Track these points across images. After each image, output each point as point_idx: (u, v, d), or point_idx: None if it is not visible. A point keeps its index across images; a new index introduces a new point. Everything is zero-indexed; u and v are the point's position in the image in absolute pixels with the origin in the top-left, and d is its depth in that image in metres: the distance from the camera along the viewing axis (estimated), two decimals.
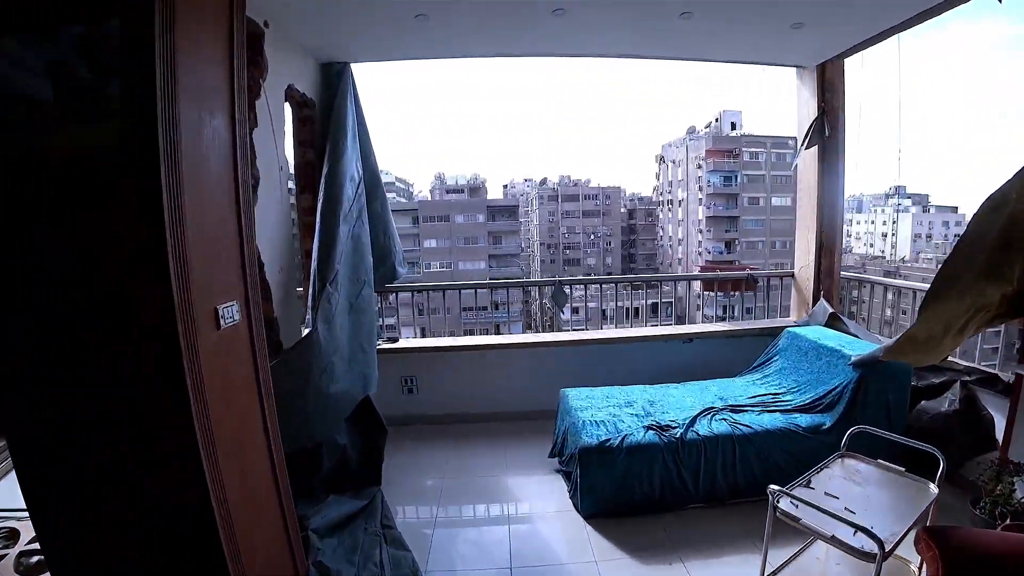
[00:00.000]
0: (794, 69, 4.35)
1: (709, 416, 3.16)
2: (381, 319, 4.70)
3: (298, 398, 2.68)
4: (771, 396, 3.44)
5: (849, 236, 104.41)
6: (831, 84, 4.14)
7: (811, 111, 4.24)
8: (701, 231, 55.05)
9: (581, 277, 7.66)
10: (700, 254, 55.01)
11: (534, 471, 3.52)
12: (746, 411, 3.22)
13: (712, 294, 6.52)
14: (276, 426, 2.03)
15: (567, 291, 4.70)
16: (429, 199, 66.81)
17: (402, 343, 4.34)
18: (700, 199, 54.86)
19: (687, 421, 3.08)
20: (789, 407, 3.24)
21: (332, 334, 2.96)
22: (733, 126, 60.27)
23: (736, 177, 53.65)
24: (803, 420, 3.09)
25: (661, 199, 65.04)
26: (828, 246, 4.66)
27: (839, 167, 4.33)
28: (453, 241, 49.54)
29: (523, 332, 41.24)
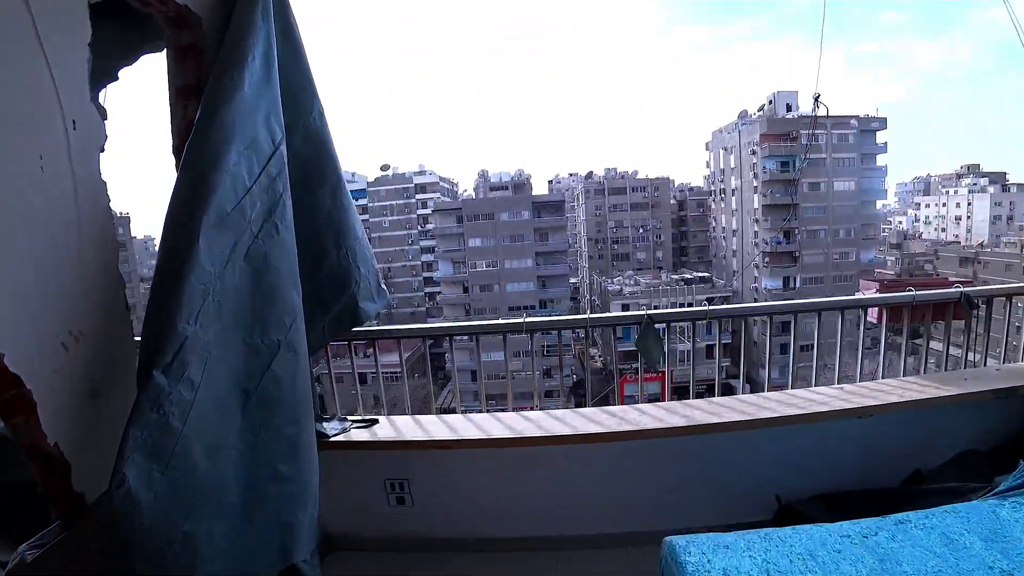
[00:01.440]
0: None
1: None
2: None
3: None
4: None
5: (917, 221, 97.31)
6: None
7: None
8: (757, 220, 52.21)
9: (675, 311, 5.80)
10: (756, 245, 52.27)
11: None
12: None
13: (881, 324, 3.63)
14: None
15: (661, 337, 3.04)
16: (473, 197, 66.91)
17: (384, 427, 2.80)
18: (755, 187, 52.05)
19: None
20: None
21: (175, 479, 1.41)
22: (788, 108, 56.74)
23: (795, 161, 50.55)
24: None
25: (713, 188, 62.29)
26: None
27: None
28: (498, 239, 49.05)
29: (567, 406, 33.37)
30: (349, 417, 2.90)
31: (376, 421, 2.84)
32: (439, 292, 54.71)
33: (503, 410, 3.15)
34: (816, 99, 6.06)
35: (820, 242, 50.76)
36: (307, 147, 2.20)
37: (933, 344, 3.55)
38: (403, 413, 3.46)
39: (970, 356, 3.30)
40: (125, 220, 68.59)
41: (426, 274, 65.77)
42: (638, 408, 2.82)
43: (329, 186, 2.32)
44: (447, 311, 52.13)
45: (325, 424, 2.70)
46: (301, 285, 1.96)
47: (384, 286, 2.87)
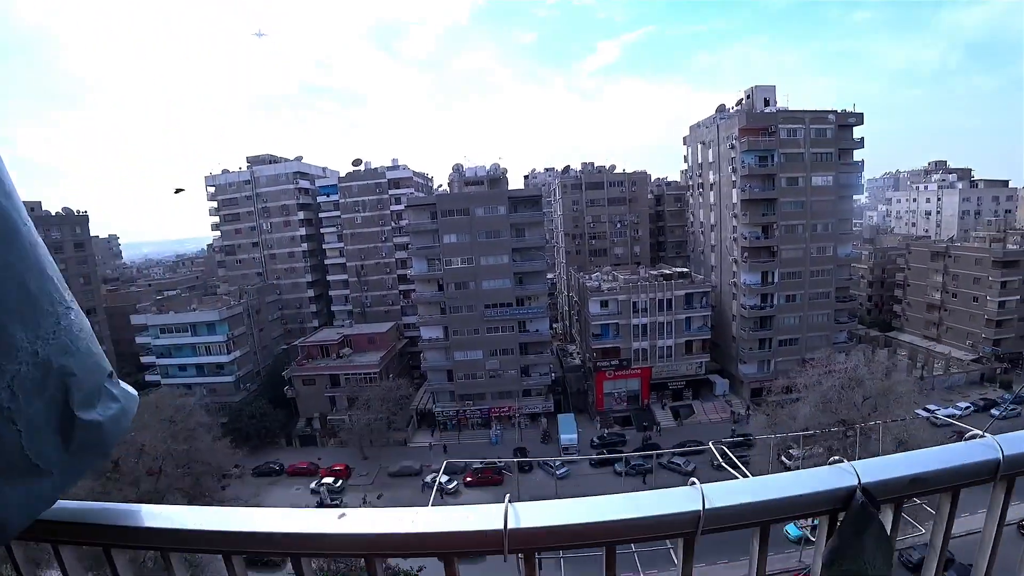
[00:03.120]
0: None
1: None
2: None
3: None
4: None
5: (888, 216, 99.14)
6: None
7: None
8: (736, 215, 51.71)
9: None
10: (736, 240, 51.81)
11: None
12: None
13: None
14: None
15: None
16: (448, 192, 65.18)
17: None
18: (734, 181, 51.55)
19: None
20: None
21: None
22: (766, 102, 56.44)
23: (773, 156, 50.24)
24: None
25: (691, 183, 61.74)
26: None
27: None
28: (474, 235, 47.50)
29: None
30: None
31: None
32: (413, 290, 52.97)
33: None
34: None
35: (799, 237, 50.63)
36: None
37: None
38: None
39: None
40: (83, 219, 64.97)
41: (400, 271, 63.95)
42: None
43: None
44: (422, 309, 50.35)
45: None
46: None
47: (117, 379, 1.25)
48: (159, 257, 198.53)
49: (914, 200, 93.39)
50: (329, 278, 68.56)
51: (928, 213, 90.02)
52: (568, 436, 45.09)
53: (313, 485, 42.47)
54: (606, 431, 48.86)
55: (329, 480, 42.65)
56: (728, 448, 40.25)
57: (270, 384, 55.33)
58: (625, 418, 50.76)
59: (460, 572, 2.97)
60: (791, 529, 31.82)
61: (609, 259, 63.15)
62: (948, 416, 44.72)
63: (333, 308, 69.19)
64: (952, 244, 61.57)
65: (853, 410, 28.88)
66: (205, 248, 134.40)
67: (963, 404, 47.23)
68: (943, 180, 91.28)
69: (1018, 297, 53.55)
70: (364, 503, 30.30)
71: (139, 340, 55.90)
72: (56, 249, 58.84)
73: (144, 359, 56.42)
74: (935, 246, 63.51)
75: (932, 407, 45.67)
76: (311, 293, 67.96)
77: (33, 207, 61.71)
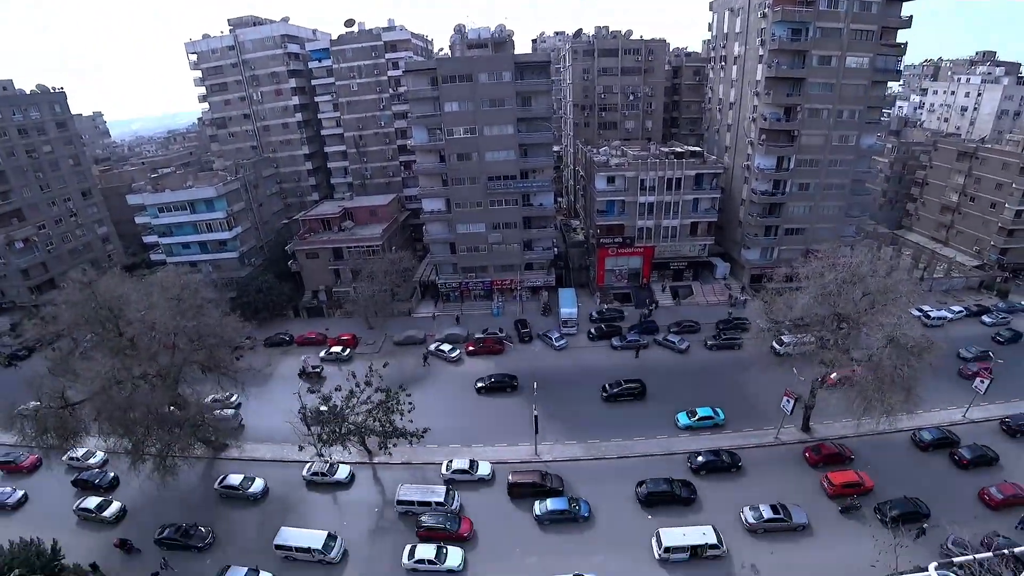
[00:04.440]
0: None
1: None
2: None
3: None
4: None
5: (920, 108, 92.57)
6: None
7: None
8: (758, 94, 47.91)
9: None
10: (755, 120, 48.65)
11: None
12: None
13: None
14: None
15: None
16: (449, 56, 60.06)
17: None
18: (761, 55, 47.01)
19: None
20: None
21: None
22: None
23: (808, 30, 45.22)
24: None
25: (713, 55, 56.49)
26: None
27: None
28: (477, 104, 44.46)
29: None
30: None
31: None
32: (414, 161, 51.07)
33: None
34: None
35: (822, 122, 47.37)
36: None
37: None
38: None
39: None
40: (60, 96, 60.24)
41: (400, 141, 61.35)
42: None
43: None
44: (423, 181, 48.95)
45: None
46: None
47: None
48: (150, 134, 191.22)
49: (952, 93, 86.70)
50: (327, 149, 66.12)
51: (964, 109, 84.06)
52: (568, 310, 46.16)
53: (323, 354, 44.60)
54: (605, 306, 50.06)
55: (337, 349, 44.68)
56: (723, 329, 41.31)
57: (274, 259, 55.94)
58: (625, 295, 51.71)
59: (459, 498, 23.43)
60: (681, 417, 33.77)
61: (619, 133, 60.13)
62: (940, 318, 45.56)
63: (332, 181, 67.69)
64: (982, 145, 58.05)
65: (851, 305, 28.86)
66: (196, 122, 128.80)
67: (957, 308, 47.61)
68: (988, 73, 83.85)
69: None
70: (371, 370, 31.73)
71: (139, 220, 55.49)
72: (38, 131, 56.52)
73: (147, 239, 56.51)
74: (964, 145, 60.02)
75: (926, 308, 46.31)
76: (309, 166, 65.98)
77: (4, 86, 57.59)
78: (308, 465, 31.16)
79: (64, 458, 32.51)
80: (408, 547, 25.62)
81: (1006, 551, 20.07)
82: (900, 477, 28.50)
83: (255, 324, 43.84)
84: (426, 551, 25.10)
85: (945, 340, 32.65)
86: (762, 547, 24.92)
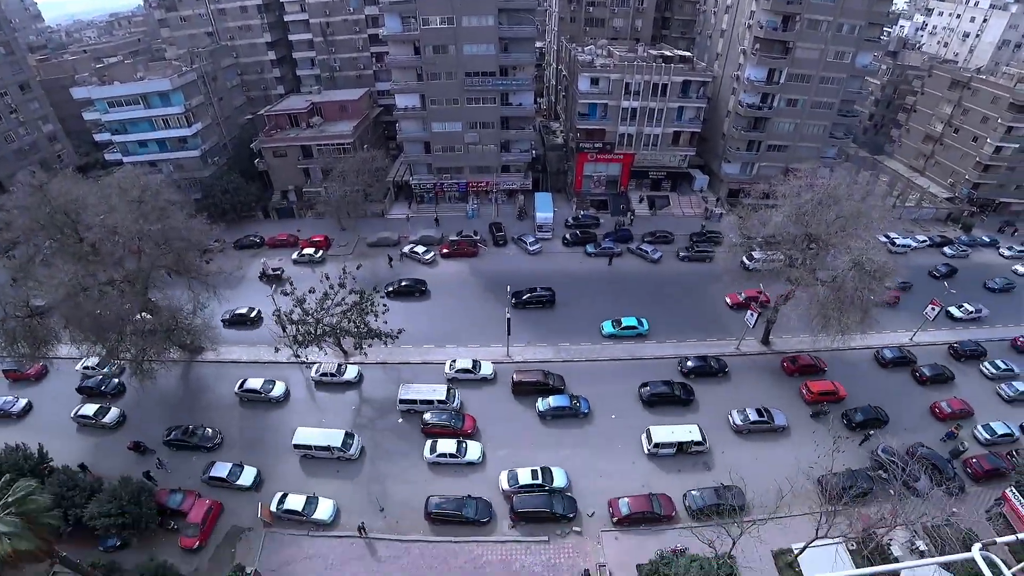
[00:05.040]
0: None
1: None
2: None
3: None
4: None
5: (922, 30, 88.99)
6: None
7: None
8: None
9: None
10: (750, 27, 45.92)
11: None
12: None
13: None
14: None
15: None
16: None
17: None
18: None
19: None
20: None
21: None
22: None
23: None
24: None
25: None
26: None
27: None
28: None
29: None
30: None
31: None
32: (387, 52, 47.20)
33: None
34: None
35: (820, 35, 45.00)
36: None
37: None
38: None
39: None
40: None
41: (372, 30, 56.40)
42: None
43: None
44: (396, 75, 45.66)
45: None
46: None
47: None
48: (89, 18, 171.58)
49: (957, 17, 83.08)
50: (291, 38, 60.46)
51: (966, 35, 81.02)
52: (544, 214, 45.84)
53: (295, 256, 43.66)
54: (581, 212, 49.89)
55: (310, 251, 43.75)
56: (696, 242, 42.08)
57: (239, 157, 52.88)
58: (602, 202, 51.38)
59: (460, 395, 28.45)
60: (606, 325, 35.03)
61: (607, 31, 56.43)
62: (904, 246, 46.87)
63: (299, 72, 62.80)
64: (977, 76, 56.50)
65: (823, 226, 29.32)
66: (141, 4, 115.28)
67: (921, 237, 48.97)
68: None
69: (1017, 145, 51.98)
70: (344, 272, 31.23)
71: (87, 117, 50.66)
72: None
73: (98, 137, 51.97)
74: (959, 74, 58.38)
75: (893, 235, 47.47)
76: (272, 56, 60.71)
77: None
78: (316, 366, 31.99)
79: (78, 367, 32.95)
80: (429, 441, 27.13)
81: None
82: (865, 389, 31.52)
83: (223, 226, 42.34)
84: (447, 445, 26.64)
85: (906, 267, 33.90)
86: (746, 447, 27.73)
